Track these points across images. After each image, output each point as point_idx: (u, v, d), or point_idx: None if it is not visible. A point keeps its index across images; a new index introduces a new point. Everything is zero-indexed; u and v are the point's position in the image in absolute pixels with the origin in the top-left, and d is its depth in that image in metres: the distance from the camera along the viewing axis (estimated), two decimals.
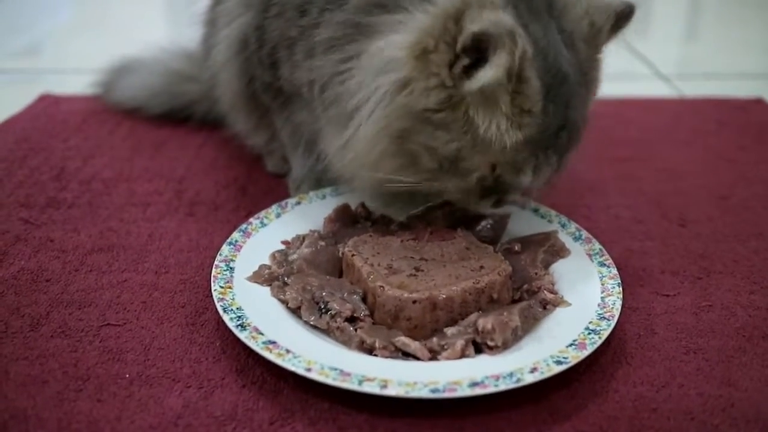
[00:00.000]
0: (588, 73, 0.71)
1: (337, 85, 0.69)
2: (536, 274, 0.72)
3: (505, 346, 0.62)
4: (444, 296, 0.64)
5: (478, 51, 0.62)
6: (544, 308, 0.68)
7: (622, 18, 0.70)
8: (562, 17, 0.69)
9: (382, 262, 0.69)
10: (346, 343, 0.64)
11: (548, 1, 0.68)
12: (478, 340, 0.63)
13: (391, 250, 0.71)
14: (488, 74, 0.62)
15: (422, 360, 0.62)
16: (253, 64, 0.83)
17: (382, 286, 0.65)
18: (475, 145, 0.65)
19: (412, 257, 0.70)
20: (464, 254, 0.71)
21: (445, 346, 0.62)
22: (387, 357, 0.62)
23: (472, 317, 0.64)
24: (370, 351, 0.63)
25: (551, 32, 0.67)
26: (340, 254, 0.74)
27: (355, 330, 0.64)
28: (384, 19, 0.66)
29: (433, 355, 0.62)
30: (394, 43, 0.65)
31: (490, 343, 0.62)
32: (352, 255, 0.70)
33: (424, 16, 0.64)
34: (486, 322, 0.63)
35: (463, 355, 0.62)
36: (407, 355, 0.62)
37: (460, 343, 0.62)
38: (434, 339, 0.63)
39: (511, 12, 0.63)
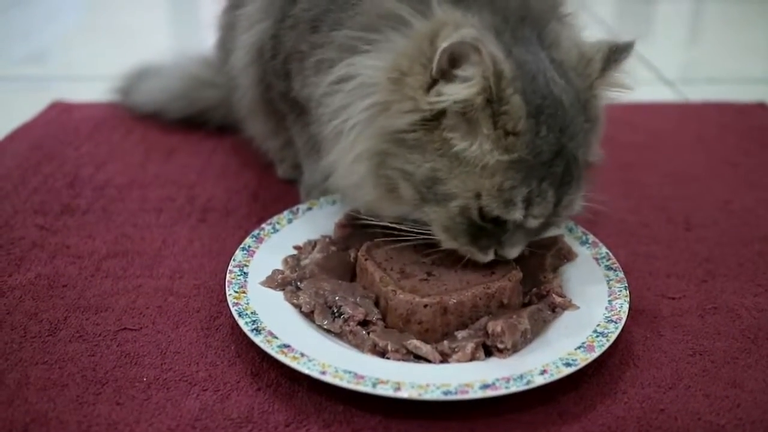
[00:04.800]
0: (587, 105, 0.67)
1: (327, 104, 0.69)
2: (545, 277, 0.73)
3: (515, 348, 0.64)
4: (455, 301, 0.65)
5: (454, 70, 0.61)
6: (553, 311, 0.69)
7: (617, 51, 0.68)
8: (553, 48, 0.67)
9: (394, 266, 0.70)
10: (358, 346, 0.65)
11: (538, 32, 0.68)
12: (488, 343, 0.64)
13: (404, 255, 0.72)
14: (454, 90, 0.61)
15: (433, 363, 0.63)
16: (269, 73, 0.84)
17: (394, 290, 0.67)
18: (453, 168, 0.63)
19: (424, 262, 0.71)
20: None
21: (456, 349, 0.64)
22: (399, 360, 0.63)
23: (483, 321, 0.66)
24: (382, 354, 0.64)
25: (541, 59, 0.65)
26: (351, 259, 0.75)
27: (368, 333, 0.66)
28: (368, 37, 0.66)
29: (444, 358, 0.64)
30: (372, 66, 0.64)
31: (500, 346, 0.63)
32: (366, 259, 0.71)
33: (401, 39, 0.64)
34: (495, 325, 0.64)
35: (473, 357, 0.63)
36: (419, 358, 0.64)
37: (470, 346, 0.63)
38: (445, 342, 0.65)
39: (491, 36, 0.62)
